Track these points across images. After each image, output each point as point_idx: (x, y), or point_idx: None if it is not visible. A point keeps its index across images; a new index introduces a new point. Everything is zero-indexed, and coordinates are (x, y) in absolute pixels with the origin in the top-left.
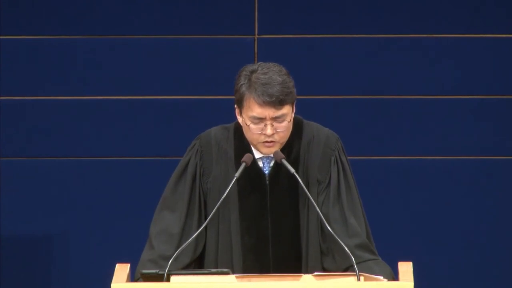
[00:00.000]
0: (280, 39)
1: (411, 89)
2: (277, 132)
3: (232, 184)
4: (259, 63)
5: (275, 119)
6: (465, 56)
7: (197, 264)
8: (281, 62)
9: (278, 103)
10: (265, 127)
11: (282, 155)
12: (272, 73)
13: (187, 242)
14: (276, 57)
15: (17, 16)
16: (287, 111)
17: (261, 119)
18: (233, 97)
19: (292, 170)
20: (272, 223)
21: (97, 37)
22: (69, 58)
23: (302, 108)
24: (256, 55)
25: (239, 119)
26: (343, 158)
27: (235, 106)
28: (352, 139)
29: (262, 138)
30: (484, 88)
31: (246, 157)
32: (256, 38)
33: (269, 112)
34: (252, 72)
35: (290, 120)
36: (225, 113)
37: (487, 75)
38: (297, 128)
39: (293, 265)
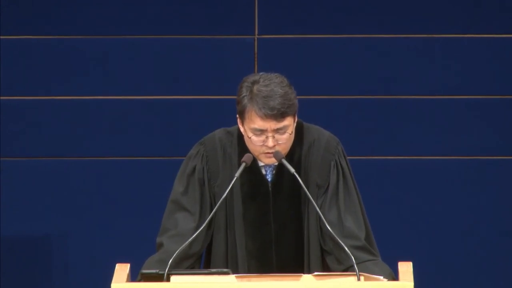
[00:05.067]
0: (280, 39)
1: (411, 89)
2: (278, 144)
3: (236, 189)
4: (261, 73)
5: (276, 131)
6: (465, 56)
7: (206, 267)
8: (281, 62)
9: (279, 115)
10: (267, 139)
11: (282, 155)
12: (273, 85)
13: (187, 242)
14: (276, 57)
15: (17, 16)
16: (289, 123)
17: (262, 131)
18: (233, 97)
19: (292, 170)
20: (275, 229)
21: (97, 37)
22: (69, 58)
23: (302, 108)
24: (256, 55)
25: (241, 129)
26: (343, 162)
27: (237, 116)
28: (352, 139)
29: (264, 150)
30: (484, 88)
31: (246, 157)
32: (256, 38)
33: (270, 125)
34: (254, 83)
35: (292, 131)
36: (226, 113)
37: (487, 75)
38: (298, 132)
39: (296, 269)
